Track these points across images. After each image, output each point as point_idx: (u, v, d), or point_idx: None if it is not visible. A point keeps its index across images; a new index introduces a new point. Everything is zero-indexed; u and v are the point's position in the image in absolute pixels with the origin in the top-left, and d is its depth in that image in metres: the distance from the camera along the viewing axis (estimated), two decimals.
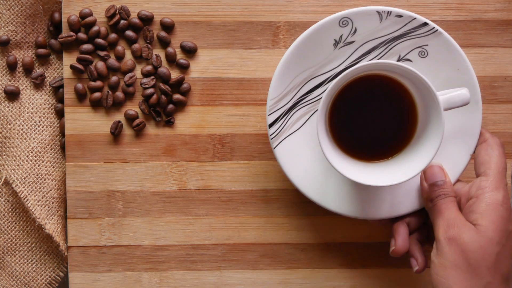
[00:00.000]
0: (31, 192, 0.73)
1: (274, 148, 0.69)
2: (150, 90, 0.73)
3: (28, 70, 0.74)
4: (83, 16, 0.73)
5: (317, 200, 0.70)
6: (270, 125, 0.70)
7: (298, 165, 0.70)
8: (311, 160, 0.71)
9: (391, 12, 0.69)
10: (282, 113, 0.70)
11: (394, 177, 0.66)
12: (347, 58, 0.70)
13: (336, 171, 0.68)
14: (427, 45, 0.69)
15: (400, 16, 0.69)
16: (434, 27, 0.68)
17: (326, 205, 0.70)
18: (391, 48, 0.70)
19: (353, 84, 0.68)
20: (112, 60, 0.73)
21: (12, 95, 0.74)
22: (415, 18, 0.68)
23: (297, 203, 0.75)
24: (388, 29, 0.69)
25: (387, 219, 0.71)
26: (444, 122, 0.65)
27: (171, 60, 0.74)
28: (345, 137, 0.69)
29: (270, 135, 0.69)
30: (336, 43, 0.70)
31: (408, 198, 0.71)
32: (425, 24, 0.69)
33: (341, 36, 0.69)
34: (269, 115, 0.70)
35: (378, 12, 0.69)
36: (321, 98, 0.70)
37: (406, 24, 0.69)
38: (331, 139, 0.68)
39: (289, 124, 0.70)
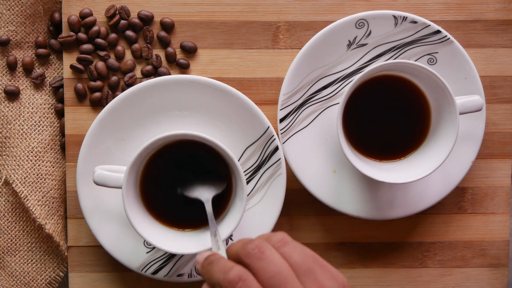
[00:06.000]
0: (31, 192, 0.73)
1: (283, 143, 0.70)
2: None
3: (28, 70, 0.74)
4: (83, 16, 0.73)
5: (325, 200, 0.71)
6: (281, 120, 0.70)
7: (306, 162, 0.71)
8: (318, 158, 0.72)
9: (406, 17, 0.69)
10: (292, 109, 0.71)
11: (408, 176, 0.67)
12: (358, 60, 0.71)
13: (348, 167, 0.69)
14: (437, 52, 0.70)
15: (415, 22, 0.70)
16: (446, 35, 0.70)
17: (338, 207, 0.72)
18: (401, 54, 0.71)
19: (368, 84, 0.69)
20: (112, 60, 0.73)
21: (12, 95, 0.74)
22: (429, 25, 0.70)
23: (297, 203, 0.75)
24: (401, 34, 0.70)
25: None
26: (459, 125, 0.66)
27: (171, 60, 0.74)
28: (358, 136, 0.70)
29: (280, 130, 0.70)
30: (349, 44, 0.70)
31: (420, 198, 0.72)
32: (438, 32, 0.70)
33: (355, 38, 0.70)
34: (280, 109, 0.70)
35: (394, 16, 0.70)
36: (330, 97, 0.72)
37: (419, 30, 0.70)
38: (345, 136, 0.69)
39: (299, 121, 0.71)
